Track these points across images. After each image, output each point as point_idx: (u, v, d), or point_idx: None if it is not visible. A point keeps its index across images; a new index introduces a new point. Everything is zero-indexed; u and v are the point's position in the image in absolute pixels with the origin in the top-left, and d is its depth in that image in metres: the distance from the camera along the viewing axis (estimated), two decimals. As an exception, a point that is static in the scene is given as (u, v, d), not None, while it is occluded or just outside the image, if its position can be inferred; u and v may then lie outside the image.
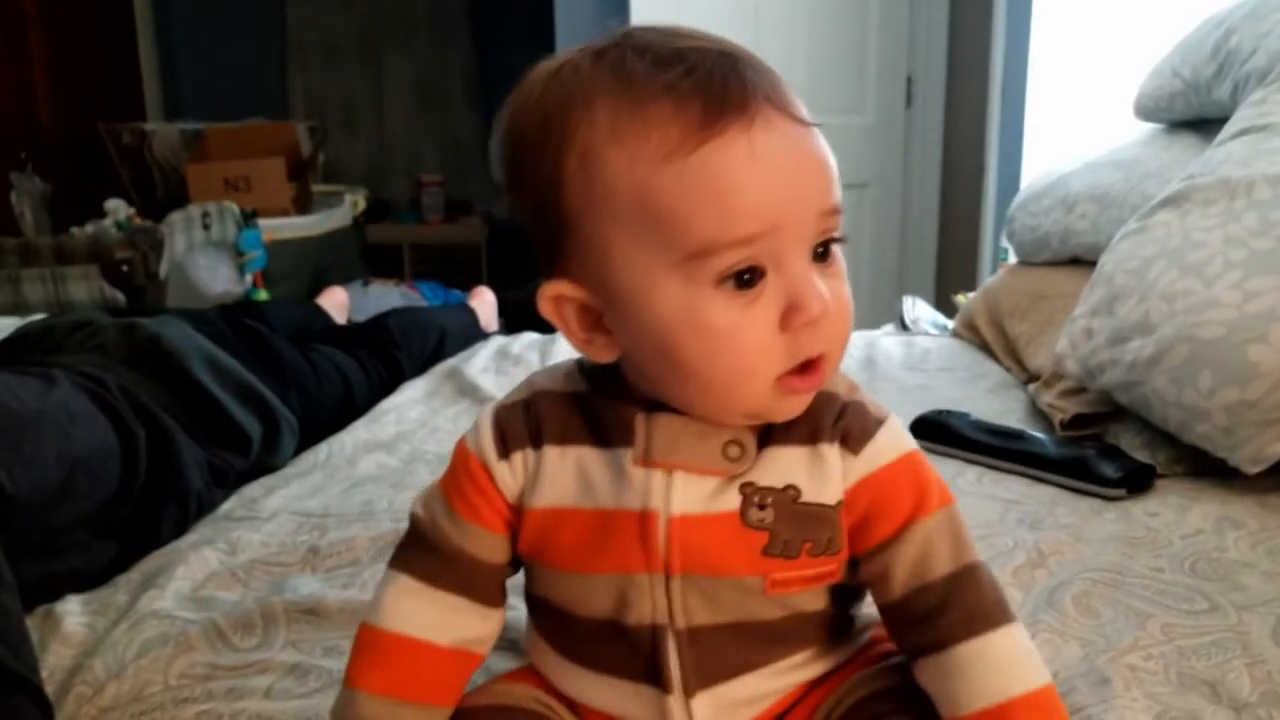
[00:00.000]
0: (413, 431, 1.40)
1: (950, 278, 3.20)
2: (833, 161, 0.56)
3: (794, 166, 0.54)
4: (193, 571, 0.97)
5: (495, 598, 0.65)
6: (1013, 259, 1.88)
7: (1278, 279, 1.05)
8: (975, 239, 3.09)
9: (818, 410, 0.59)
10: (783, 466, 0.58)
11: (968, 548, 0.59)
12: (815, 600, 0.61)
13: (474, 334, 1.97)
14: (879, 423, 0.60)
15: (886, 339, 1.85)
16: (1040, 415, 1.35)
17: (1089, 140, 1.85)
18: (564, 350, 1.77)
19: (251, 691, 0.78)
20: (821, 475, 0.58)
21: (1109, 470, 1.09)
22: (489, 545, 0.63)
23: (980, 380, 1.57)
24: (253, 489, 1.20)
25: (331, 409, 1.48)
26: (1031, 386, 1.42)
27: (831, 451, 0.59)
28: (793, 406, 0.57)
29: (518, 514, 0.62)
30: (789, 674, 0.62)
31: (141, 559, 1.02)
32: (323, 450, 1.32)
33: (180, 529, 1.09)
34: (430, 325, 1.87)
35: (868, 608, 0.65)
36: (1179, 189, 1.25)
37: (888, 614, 0.61)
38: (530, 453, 0.61)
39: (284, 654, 0.83)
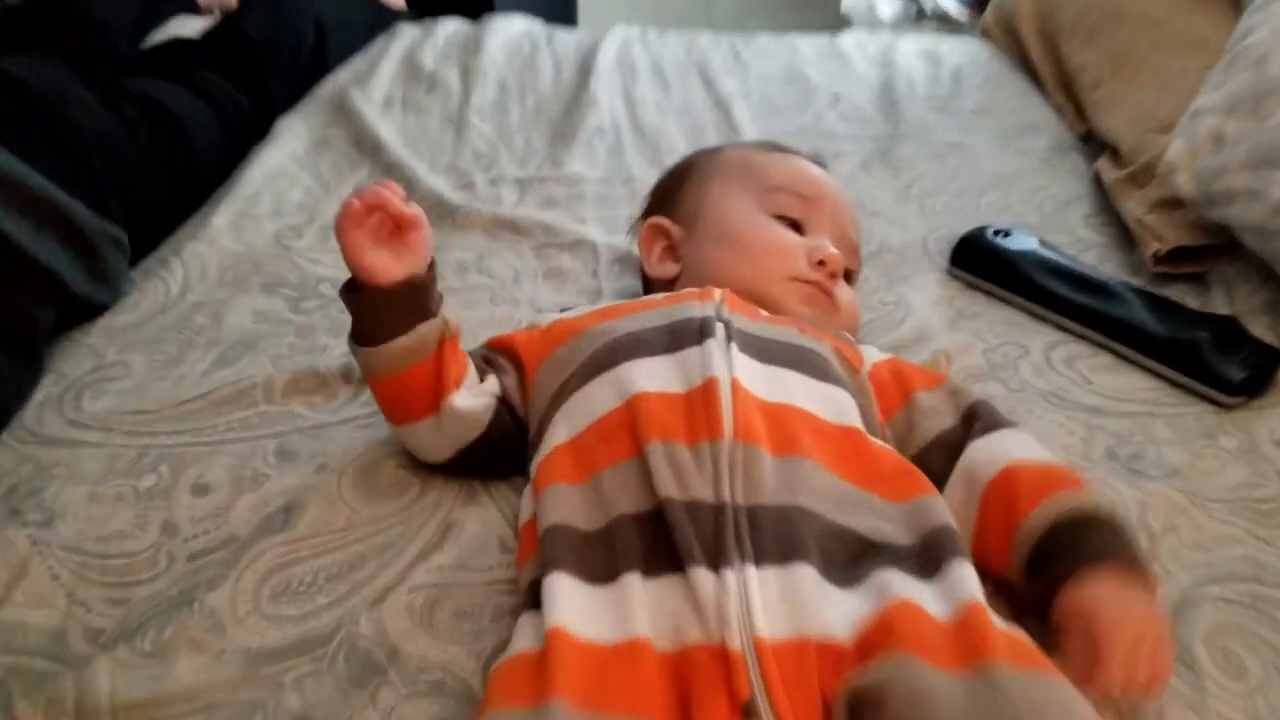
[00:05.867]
0: (298, 228, 1.06)
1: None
2: (859, 225, 0.92)
3: (838, 192, 0.89)
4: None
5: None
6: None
7: None
8: None
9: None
10: None
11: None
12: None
13: (359, 23, 1.52)
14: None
15: (904, 51, 1.47)
16: (1111, 214, 1.05)
17: None
18: (491, 67, 1.38)
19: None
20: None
21: (1230, 369, 0.82)
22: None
23: (1029, 136, 1.23)
24: (65, 392, 0.83)
25: (166, 188, 1.10)
26: (1105, 168, 1.09)
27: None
28: (799, 306, 0.80)
29: None
30: None
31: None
32: (160, 286, 0.96)
33: None
34: (303, 20, 1.41)
35: None
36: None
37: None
38: None
39: None
